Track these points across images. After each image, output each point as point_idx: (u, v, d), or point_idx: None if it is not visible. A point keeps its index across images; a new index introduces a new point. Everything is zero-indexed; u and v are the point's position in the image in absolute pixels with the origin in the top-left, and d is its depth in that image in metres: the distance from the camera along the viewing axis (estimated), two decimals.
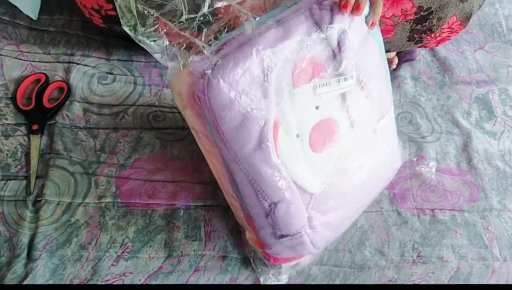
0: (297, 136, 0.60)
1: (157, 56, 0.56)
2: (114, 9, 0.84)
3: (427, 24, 0.83)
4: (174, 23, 0.57)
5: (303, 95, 0.59)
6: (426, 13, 0.81)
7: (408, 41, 0.87)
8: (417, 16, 0.82)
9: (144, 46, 0.56)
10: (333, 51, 0.60)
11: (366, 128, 0.67)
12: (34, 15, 0.96)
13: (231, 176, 0.63)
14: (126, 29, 0.57)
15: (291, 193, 0.62)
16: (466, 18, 0.83)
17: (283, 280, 0.74)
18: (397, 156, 0.76)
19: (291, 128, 0.60)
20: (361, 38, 0.63)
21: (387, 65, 0.71)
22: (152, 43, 0.55)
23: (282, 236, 0.65)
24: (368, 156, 0.69)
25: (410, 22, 0.83)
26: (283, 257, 0.70)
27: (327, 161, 0.64)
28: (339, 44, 0.60)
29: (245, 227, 0.73)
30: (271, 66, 0.56)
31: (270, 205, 0.62)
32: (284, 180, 0.61)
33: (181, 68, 0.56)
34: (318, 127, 0.62)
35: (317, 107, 0.61)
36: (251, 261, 0.75)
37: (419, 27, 0.83)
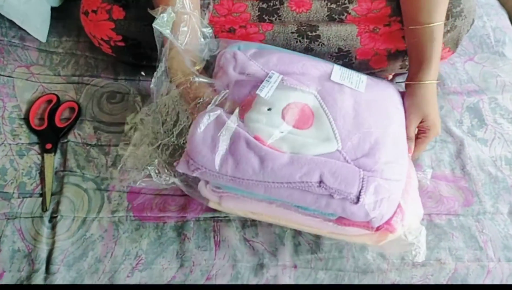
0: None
1: None
2: (123, 40, 0.88)
3: None
4: None
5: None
6: None
7: (401, 68, 0.92)
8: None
9: None
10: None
11: None
12: (43, 38, 1.00)
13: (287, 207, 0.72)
14: None
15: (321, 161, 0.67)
16: (454, 45, 0.88)
17: None
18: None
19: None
20: None
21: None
22: None
23: (357, 198, 0.67)
24: None
25: (402, 53, 0.88)
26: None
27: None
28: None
29: (359, 241, 0.77)
30: None
31: (319, 183, 0.66)
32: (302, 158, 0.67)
33: None
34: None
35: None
36: None
37: None
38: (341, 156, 0.69)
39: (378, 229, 0.71)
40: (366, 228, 0.71)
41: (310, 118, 0.73)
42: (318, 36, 0.87)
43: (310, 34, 0.87)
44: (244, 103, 0.74)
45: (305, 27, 0.87)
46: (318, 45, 0.87)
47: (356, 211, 0.67)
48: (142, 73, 0.90)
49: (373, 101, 0.77)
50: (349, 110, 0.74)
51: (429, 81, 0.80)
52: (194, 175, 0.70)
